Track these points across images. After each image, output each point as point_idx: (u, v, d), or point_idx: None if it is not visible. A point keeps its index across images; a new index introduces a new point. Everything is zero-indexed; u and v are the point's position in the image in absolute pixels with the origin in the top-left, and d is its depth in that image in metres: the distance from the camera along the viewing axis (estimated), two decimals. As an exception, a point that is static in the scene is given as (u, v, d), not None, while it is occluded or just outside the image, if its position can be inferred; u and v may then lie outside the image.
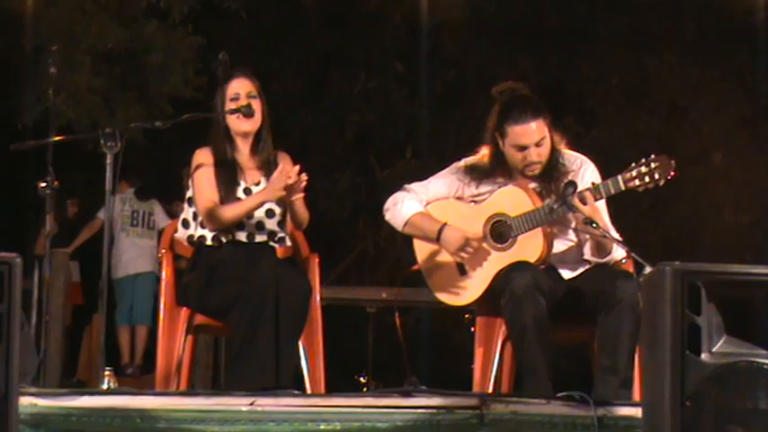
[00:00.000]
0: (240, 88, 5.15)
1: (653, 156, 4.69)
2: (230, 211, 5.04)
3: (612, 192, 4.74)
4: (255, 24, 12.26)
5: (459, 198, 5.05)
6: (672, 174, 4.67)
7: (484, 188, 4.99)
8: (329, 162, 12.78)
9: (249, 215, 5.07)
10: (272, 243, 5.11)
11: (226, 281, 4.94)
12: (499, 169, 4.96)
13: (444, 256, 5.02)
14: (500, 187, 4.95)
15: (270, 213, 5.12)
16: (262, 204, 5.05)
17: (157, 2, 10.25)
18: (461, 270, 4.99)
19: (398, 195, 5.10)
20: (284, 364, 4.80)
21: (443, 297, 5.07)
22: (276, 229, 5.13)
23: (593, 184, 4.78)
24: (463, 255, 4.92)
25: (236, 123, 5.14)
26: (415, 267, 5.19)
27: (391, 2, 12.67)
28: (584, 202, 4.71)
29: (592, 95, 12.26)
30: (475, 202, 5.01)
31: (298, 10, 12.53)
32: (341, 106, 12.57)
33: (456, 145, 10.15)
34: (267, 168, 5.14)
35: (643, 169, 4.67)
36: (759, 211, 11.66)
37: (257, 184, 5.14)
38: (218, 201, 5.06)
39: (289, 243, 5.19)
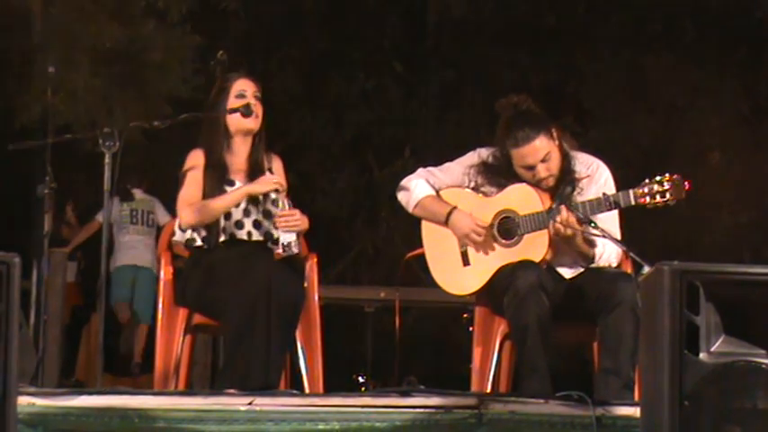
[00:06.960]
0: (247, 87, 5.16)
1: (667, 175, 4.65)
2: (213, 204, 5.03)
3: (622, 205, 4.72)
4: (254, 24, 12.26)
5: (471, 188, 5.06)
6: (684, 196, 4.64)
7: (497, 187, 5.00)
8: (327, 161, 12.79)
9: (247, 212, 5.07)
10: (270, 245, 5.11)
11: (222, 281, 4.92)
12: (513, 180, 4.96)
13: (450, 244, 5.03)
14: (513, 183, 4.95)
15: (267, 215, 5.11)
16: (244, 197, 5.04)
17: (156, 1, 10.23)
18: (465, 260, 5.01)
19: (412, 177, 5.13)
20: (274, 365, 4.79)
21: (444, 284, 5.08)
22: (273, 230, 5.12)
23: (603, 194, 4.76)
24: (471, 239, 4.94)
25: (239, 122, 5.13)
26: (418, 251, 5.20)
27: (389, 2, 12.68)
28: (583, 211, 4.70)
29: (590, 95, 12.25)
30: (486, 194, 5.02)
31: (296, 10, 12.53)
32: (339, 106, 12.57)
33: (455, 144, 10.14)
34: (259, 171, 5.14)
35: (656, 187, 4.63)
36: (757, 210, 11.67)
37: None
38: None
39: (289, 248, 5.17)
